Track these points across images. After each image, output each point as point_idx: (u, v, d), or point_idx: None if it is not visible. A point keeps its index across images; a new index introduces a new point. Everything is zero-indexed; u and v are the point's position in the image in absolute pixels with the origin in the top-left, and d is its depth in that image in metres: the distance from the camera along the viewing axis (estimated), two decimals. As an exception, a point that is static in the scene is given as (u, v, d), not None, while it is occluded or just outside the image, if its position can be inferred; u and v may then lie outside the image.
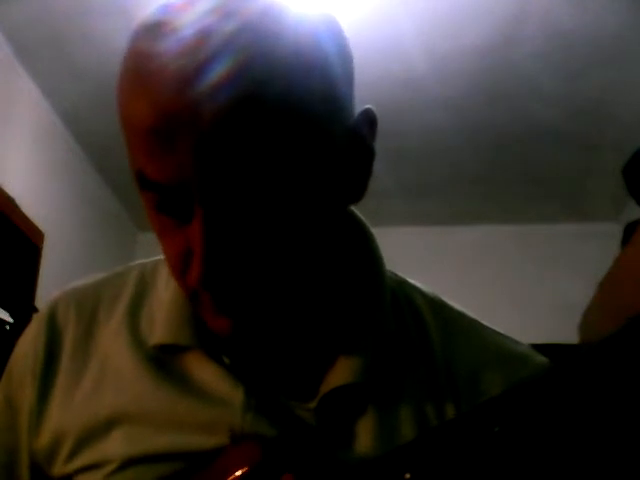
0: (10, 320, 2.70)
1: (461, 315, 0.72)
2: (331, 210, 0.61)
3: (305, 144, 0.55)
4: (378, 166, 0.65)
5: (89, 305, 0.73)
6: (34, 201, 3.08)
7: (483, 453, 0.48)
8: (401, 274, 0.75)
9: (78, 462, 0.67)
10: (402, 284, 0.73)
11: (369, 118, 0.64)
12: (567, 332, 1.27)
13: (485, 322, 0.73)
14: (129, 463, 0.65)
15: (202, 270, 0.56)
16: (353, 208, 0.71)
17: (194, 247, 0.56)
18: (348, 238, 0.69)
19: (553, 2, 2.63)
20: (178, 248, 0.59)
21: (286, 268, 0.58)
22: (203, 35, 0.53)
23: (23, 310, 2.80)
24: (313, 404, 0.64)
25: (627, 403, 0.47)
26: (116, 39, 2.71)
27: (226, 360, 0.67)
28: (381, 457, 0.54)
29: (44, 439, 0.69)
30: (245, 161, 0.53)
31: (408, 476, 0.49)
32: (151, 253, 0.75)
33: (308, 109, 0.55)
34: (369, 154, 0.64)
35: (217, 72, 0.52)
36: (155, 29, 0.55)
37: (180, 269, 0.60)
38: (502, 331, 0.72)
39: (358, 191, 0.64)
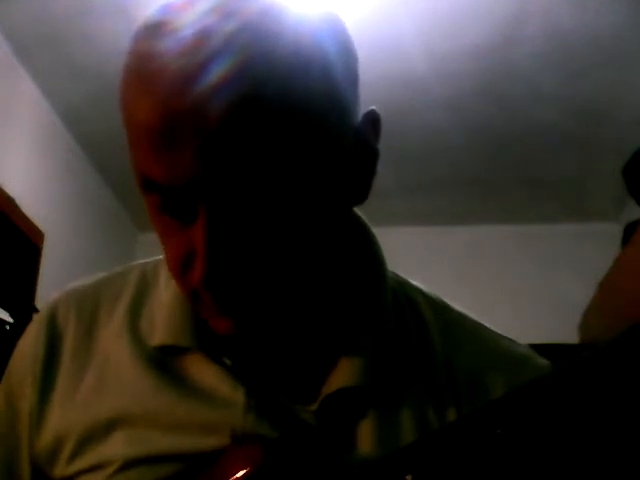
0: (10, 320, 2.70)
1: (462, 317, 0.72)
2: (335, 211, 0.61)
3: (308, 143, 0.55)
4: (378, 166, 0.65)
5: (89, 305, 0.73)
6: (34, 201, 3.08)
7: (485, 455, 0.48)
8: (401, 274, 0.74)
9: (79, 464, 0.67)
10: (403, 285, 0.73)
11: (373, 119, 0.64)
12: (567, 332, 1.27)
13: (485, 322, 0.73)
14: (131, 464, 0.65)
15: (205, 270, 0.55)
16: (354, 208, 0.71)
17: (197, 247, 0.56)
18: (350, 239, 0.69)
19: (553, 2, 2.63)
20: (180, 249, 0.59)
21: (289, 268, 0.58)
22: (203, 35, 0.53)
23: (23, 310, 2.80)
24: (314, 406, 0.64)
25: (628, 406, 0.47)
26: (116, 39, 2.72)
27: (227, 362, 0.67)
28: (382, 458, 0.54)
29: (45, 440, 0.69)
30: (250, 161, 0.53)
31: (409, 478, 0.49)
32: (151, 253, 0.75)
33: (309, 109, 0.55)
34: (373, 155, 0.64)
35: (217, 72, 0.52)
36: (155, 29, 0.55)
37: (180, 270, 0.60)
38: (502, 331, 0.72)
39: (362, 192, 0.64)
